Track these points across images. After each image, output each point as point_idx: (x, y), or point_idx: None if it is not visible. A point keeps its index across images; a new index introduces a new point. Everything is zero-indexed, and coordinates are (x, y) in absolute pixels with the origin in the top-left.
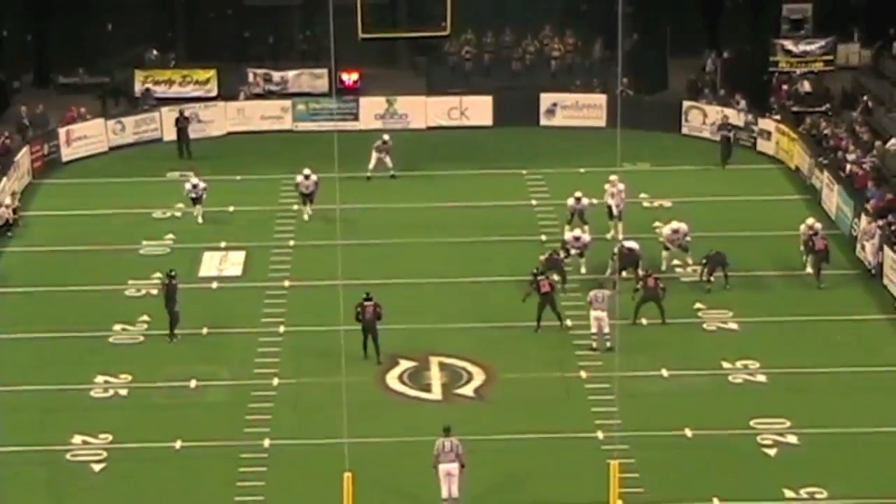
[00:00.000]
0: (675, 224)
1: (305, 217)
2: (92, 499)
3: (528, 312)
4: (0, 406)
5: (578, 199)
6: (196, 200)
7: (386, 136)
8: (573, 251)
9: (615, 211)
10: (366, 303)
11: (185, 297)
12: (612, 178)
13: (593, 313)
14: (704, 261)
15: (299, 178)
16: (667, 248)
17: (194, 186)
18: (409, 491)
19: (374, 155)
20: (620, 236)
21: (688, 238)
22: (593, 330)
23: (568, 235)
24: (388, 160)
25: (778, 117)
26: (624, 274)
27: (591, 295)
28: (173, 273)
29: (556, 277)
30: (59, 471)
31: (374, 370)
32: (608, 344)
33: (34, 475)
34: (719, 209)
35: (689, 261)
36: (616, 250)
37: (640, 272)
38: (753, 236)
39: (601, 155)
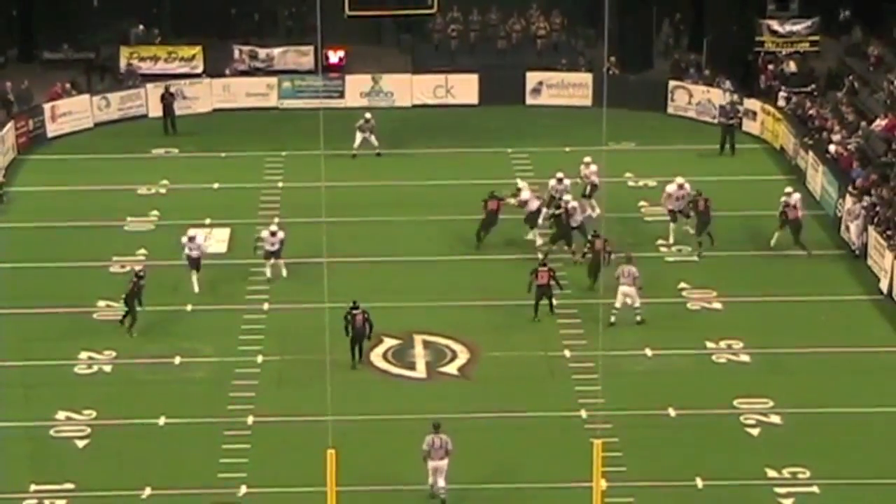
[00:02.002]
0: (680, 179)
1: (268, 274)
2: (76, 474)
3: (513, 290)
4: None
5: (560, 180)
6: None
7: (368, 115)
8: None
9: (587, 190)
10: (354, 311)
11: (170, 274)
12: (587, 159)
13: (621, 288)
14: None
15: (264, 234)
16: (673, 220)
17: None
18: (393, 468)
19: (359, 134)
20: (594, 213)
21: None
22: (617, 304)
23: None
24: (372, 139)
25: (786, 98)
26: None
27: (619, 270)
28: (142, 273)
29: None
30: (44, 446)
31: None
32: (638, 318)
33: (19, 450)
34: (704, 189)
35: (691, 230)
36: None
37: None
38: (738, 216)
39: (587, 134)
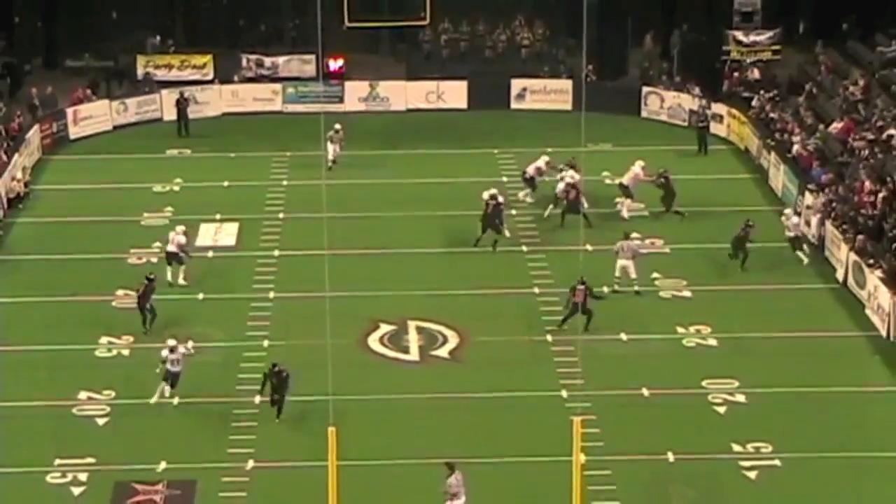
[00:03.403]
0: (641, 163)
1: (168, 277)
2: (96, 449)
3: (499, 280)
4: (12, 363)
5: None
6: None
7: (338, 126)
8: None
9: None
10: (275, 370)
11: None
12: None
13: (619, 262)
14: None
15: (164, 353)
16: (629, 196)
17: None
18: (389, 443)
19: (330, 145)
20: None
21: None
22: (617, 274)
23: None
24: (337, 148)
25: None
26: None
27: (618, 245)
28: (153, 276)
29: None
30: (67, 424)
31: (357, 333)
32: (636, 288)
33: (44, 427)
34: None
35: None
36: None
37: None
38: (706, 212)
39: (567, 136)
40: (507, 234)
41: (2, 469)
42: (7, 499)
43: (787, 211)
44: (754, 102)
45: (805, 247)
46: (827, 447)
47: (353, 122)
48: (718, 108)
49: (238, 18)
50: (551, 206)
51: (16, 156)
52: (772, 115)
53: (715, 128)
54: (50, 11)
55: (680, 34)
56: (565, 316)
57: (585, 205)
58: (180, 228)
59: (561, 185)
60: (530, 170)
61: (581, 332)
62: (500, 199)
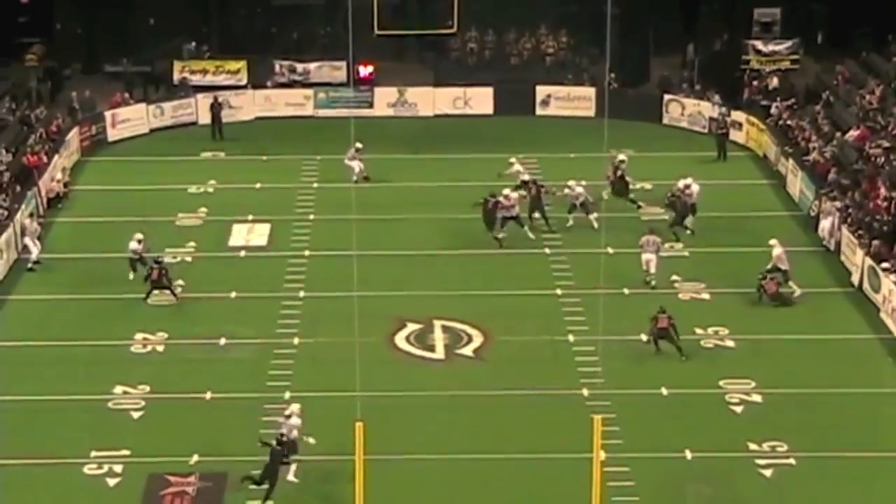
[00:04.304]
0: (689, 180)
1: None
2: (131, 442)
3: (522, 281)
4: (51, 358)
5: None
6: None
7: (359, 144)
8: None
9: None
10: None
11: (217, 264)
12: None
13: (644, 256)
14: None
15: (133, 244)
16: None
17: (139, 242)
18: (415, 439)
19: (353, 163)
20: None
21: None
22: (644, 268)
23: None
24: (360, 165)
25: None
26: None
27: (643, 240)
28: (160, 259)
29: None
30: (103, 417)
31: (384, 331)
32: (653, 283)
33: (81, 420)
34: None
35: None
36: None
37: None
38: (725, 216)
39: (589, 142)
40: (501, 235)
41: (40, 460)
42: (45, 489)
43: (772, 241)
44: (772, 110)
45: (791, 284)
46: (841, 447)
47: (381, 127)
48: (738, 115)
49: (271, 26)
50: (570, 215)
51: (56, 157)
52: (789, 122)
53: (734, 135)
54: (90, 18)
55: (699, 44)
56: (654, 341)
57: (578, 199)
58: (138, 236)
59: (578, 189)
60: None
61: (682, 355)
62: (501, 197)
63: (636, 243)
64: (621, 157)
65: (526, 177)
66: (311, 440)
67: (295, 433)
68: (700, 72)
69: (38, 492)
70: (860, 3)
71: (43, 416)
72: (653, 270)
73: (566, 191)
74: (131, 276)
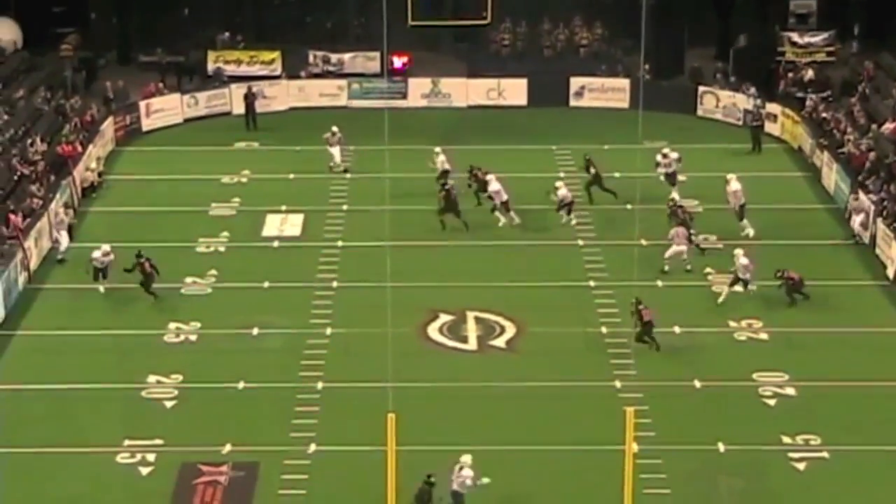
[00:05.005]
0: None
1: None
2: (164, 431)
3: (556, 273)
4: (85, 348)
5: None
6: (100, 272)
7: (335, 128)
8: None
9: (667, 178)
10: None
11: (250, 254)
12: (665, 150)
13: (674, 248)
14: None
15: (96, 254)
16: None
17: (105, 254)
18: (446, 430)
19: (331, 150)
20: (677, 197)
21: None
22: (666, 256)
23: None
24: (337, 151)
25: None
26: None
27: (673, 232)
28: (141, 254)
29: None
30: (136, 406)
31: (417, 322)
32: (688, 267)
33: (114, 409)
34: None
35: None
36: (670, 208)
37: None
38: (760, 209)
39: (624, 133)
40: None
41: (74, 449)
42: (79, 477)
43: (738, 251)
44: (808, 102)
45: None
46: (875, 440)
47: (415, 118)
48: (773, 107)
49: (305, 16)
50: (563, 213)
51: (90, 147)
52: (824, 115)
53: (769, 127)
54: (124, 8)
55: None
56: (642, 335)
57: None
58: (105, 248)
59: (563, 191)
60: (438, 165)
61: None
62: (450, 184)
63: (667, 235)
64: (665, 150)
65: (447, 167)
66: (486, 480)
67: (469, 483)
68: (735, 63)
69: (71, 480)
70: None
71: (76, 406)
72: (685, 257)
73: (553, 193)
74: (101, 289)
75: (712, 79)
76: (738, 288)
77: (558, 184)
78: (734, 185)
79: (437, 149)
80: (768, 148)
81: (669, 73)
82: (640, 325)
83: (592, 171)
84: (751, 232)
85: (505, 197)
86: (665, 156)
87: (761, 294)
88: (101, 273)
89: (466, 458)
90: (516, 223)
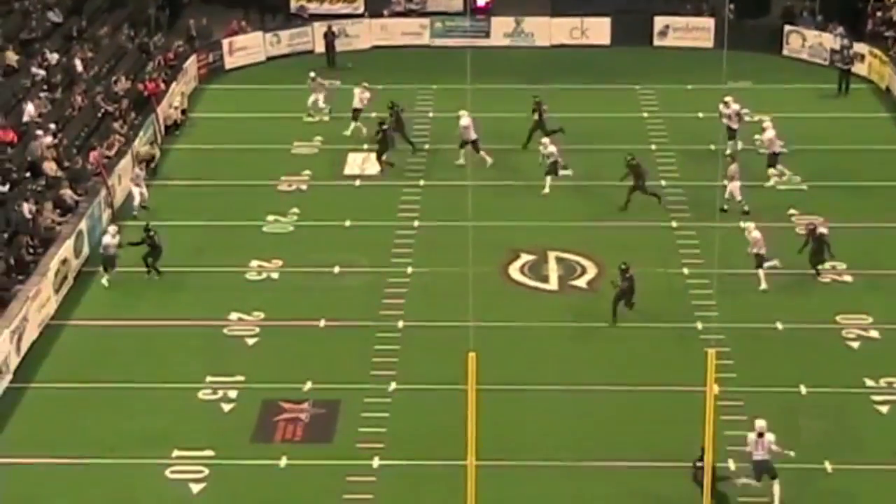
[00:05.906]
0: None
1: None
2: (245, 368)
3: (637, 214)
4: (168, 284)
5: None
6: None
7: (312, 73)
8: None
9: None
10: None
11: (331, 192)
12: (727, 98)
13: (729, 185)
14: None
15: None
16: (731, 137)
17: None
18: (527, 369)
19: (314, 96)
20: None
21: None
22: (726, 196)
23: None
24: (320, 99)
25: None
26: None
27: (729, 169)
28: (150, 230)
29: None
30: (218, 343)
31: (498, 262)
32: (745, 208)
33: (196, 346)
34: (815, 125)
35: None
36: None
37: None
38: (846, 150)
39: (707, 73)
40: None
41: (157, 384)
42: (161, 412)
43: (748, 224)
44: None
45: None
46: None
47: (498, 57)
48: (860, 47)
49: None
50: (549, 178)
51: (173, 84)
52: None
53: (856, 67)
54: None
55: None
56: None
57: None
58: (112, 229)
59: (551, 148)
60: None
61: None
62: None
63: (752, 178)
64: (728, 98)
65: (359, 106)
66: (744, 480)
67: (775, 448)
68: (822, 2)
69: (154, 415)
70: None
71: (159, 342)
72: (738, 198)
73: (540, 149)
74: (105, 281)
75: (799, 17)
76: (770, 263)
77: (545, 140)
78: (769, 132)
79: (357, 89)
80: (855, 88)
81: (755, 12)
82: (619, 288)
83: (536, 117)
84: (776, 179)
85: (474, 136)
86: (727, 105)
87: (846, 235)
88: (110, 262)
89: (762, 423)
90: (489, 164)
